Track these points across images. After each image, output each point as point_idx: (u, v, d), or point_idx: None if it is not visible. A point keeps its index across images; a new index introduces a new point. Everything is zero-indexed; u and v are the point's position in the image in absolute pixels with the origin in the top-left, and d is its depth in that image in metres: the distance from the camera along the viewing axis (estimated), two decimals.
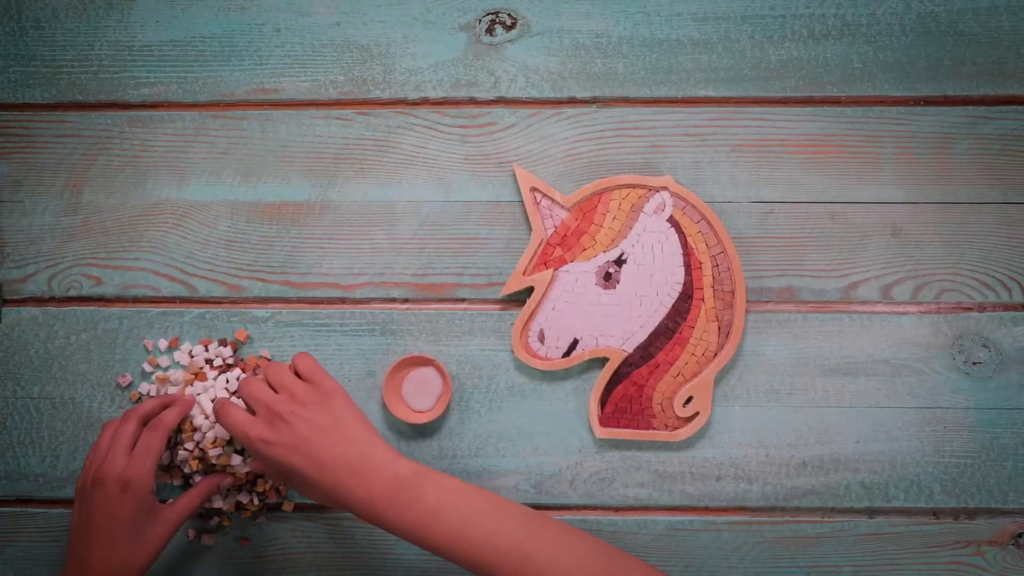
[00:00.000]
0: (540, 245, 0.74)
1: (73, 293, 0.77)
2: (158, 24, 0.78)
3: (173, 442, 0.72)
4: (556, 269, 0.74)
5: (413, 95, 0.77)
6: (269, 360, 0.75)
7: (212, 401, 0.71)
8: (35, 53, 0.79)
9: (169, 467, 0.73)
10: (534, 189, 0.75)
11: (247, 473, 0.71)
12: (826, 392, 0.74)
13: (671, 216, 0.74)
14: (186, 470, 0.72)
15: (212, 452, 0.70)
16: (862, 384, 0.74)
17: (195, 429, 0.71)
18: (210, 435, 0.70)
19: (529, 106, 0.77)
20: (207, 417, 0.70)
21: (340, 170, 0.77)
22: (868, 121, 0.76)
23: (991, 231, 0.75)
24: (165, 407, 0.69)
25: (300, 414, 0.61)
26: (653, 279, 0.74)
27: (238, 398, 0.70)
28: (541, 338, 0.74)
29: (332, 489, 0.60)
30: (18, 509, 0.75)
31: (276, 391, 0.64)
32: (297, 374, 0.66)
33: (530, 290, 0.74)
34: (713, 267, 0.73)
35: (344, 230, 0.76)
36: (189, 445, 0.71)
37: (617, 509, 0.74)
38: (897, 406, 0.74)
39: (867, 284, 0.75)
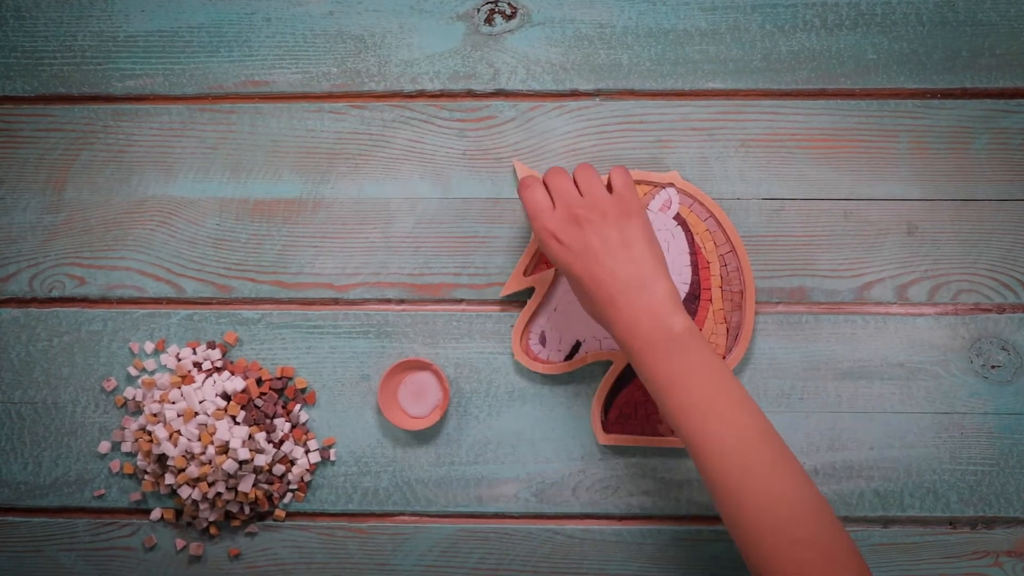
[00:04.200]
0: None
1: (56, 294, 0.75)
2: (144, 14, 0.77)
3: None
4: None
5: (409, 87, 0.76)
6: (260, 367, 0.73)
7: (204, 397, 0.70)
8: (16, 44, 0.77)
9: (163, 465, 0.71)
10: None
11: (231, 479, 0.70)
12: (839, 397, 0.73)
13: (677, 213, 0.73)
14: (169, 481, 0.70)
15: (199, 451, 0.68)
16: (876, 388, 0.73)
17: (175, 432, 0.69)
18: (190, 445, 0.68)
19: (530, 99, 0.75)
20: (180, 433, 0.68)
21: (333, 166, 0.76)
22: (883, 115, 0.74)
23: (1011, 229, 0.73)
24: None
25: (596, 224, 0.61)
26: None
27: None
28: (542, 340, 0.73)
29: (602, 307, 0.60)
30: None
31: (581, 193, 0.63)
32: (608, 187, 0.64)
33: (531, 291, 0.73)
34: (721, 267, 0.72)
35: (337, 228, 0.75)
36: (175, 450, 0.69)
37: (622, 518, 0.73)
38: (912, 411, 0.72)
39: (882, 284, 0.73)
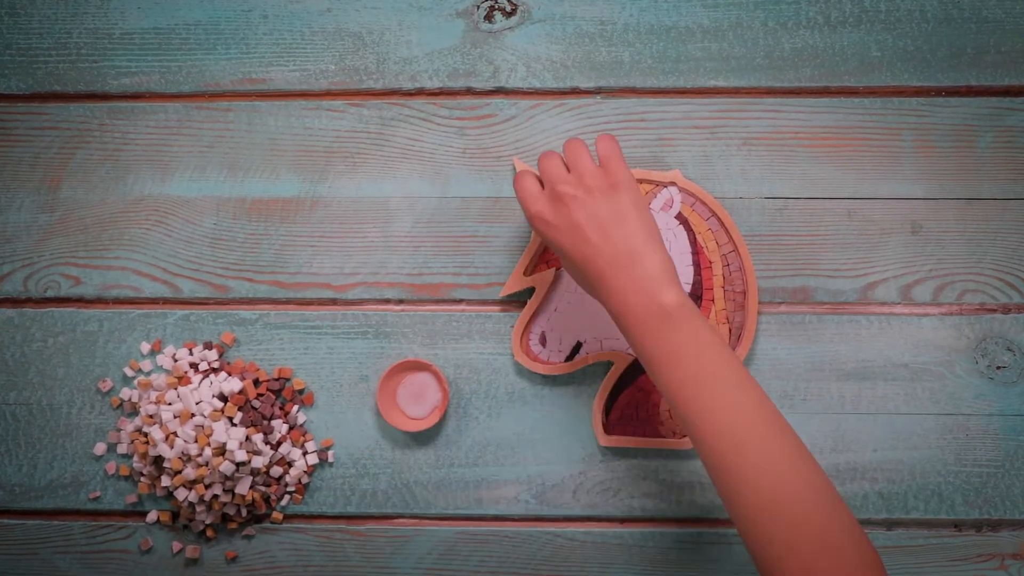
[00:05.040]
0: (542, 244, 0.72)
1: (51, 294, 0.75)
2: (140, 11, 0.77)
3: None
4: (558, 269, 0.72)
5: (408, 85, 0.75)
6: (257, 367, 0.73)
7: (196, 401, 0.70)
8: (10, 41, 0.77)
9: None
10: None
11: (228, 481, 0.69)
12: (842, 398, 0.72)
13: (679, 213, 0.72)
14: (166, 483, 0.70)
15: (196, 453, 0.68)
16: (880, 389, 0.72)
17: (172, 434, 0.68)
18: (189, 447, 0.68)
19: (530, 97, 0.75)
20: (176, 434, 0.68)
21: (331, 164, 0.75)
22: (887, 113, 0.74)
23: (1016, 228, 0.73)
24: None
25: (582, 199, 0.60)
26: None
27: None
28: (543, 341, 0.72)
29: (594, 281, 0.60)
30: None
31: (569, 170, 0.62)
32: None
33: (531, 291, 0.72)
34: (724, 267, 0.72)
35: (336, 227, 0.74)
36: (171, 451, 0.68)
37: (623, 521, 0.72)
38: (917, 412, 0.72)
39: (886, 284, 0.73)
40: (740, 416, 0.56)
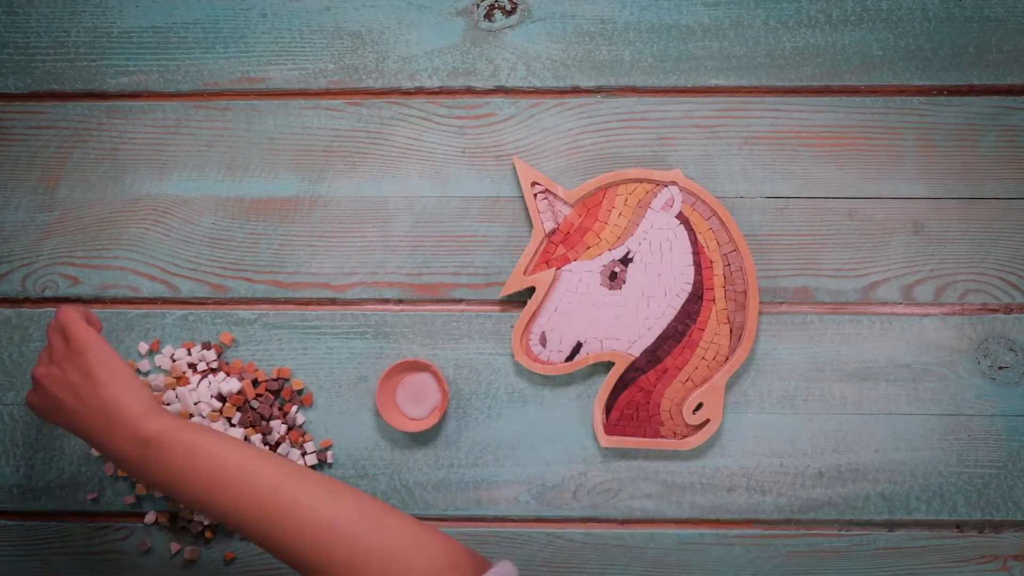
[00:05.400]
0: (542, 243, 0.72)
1: (49, 294, 0.74)
2: (138, 9, 0.76)
3: None
4: (559, 268, 0.72)
5: (407, 84, 0.75)
6: (256, 368, 0.73)
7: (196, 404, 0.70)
8: (8, 40, 0.76)
9: None
10: (535, 184, 0.73)
11: None
12: (844, 398, 0.72)
13: (680, 212, 0.72)
14: None
15: None
16: (882, 390, 0.72)
17: None
18: None
19: (530, 96, 0.75)
20: None
21: (330, 164, 0.75)
22: (888, 112, 0.73)
23: (1019, 228, 0.73)
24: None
25: (52, 375, 0.61)
26: (661, 279, 0.71)
27: None
28: (543, 341, 0.72)
29: (94, 444, 0.60)
30: None
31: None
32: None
33: (531, 291, 0.72)
34: (724, 266, 0.71)
35: (335, 227, 0.74)
36: None
37: (623, 522, 0.72)
38: (919, 413, 0.72)
39: (887, 284, 0.72)
40: (272, 479, 0.56)
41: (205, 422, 0.69)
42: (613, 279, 0.72)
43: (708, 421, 0.71)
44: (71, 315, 0.62)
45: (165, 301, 0.74)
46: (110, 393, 0.59)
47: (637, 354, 0.71)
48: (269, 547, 0.56)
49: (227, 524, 0.57)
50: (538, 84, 0.75)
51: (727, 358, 0.71)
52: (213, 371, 0.72)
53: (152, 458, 0.58)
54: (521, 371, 0.73)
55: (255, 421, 0.71)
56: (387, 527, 0.55)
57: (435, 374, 0.71)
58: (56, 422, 0.62)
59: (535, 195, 0.72)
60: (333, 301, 0.74)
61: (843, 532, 0.71)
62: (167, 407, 0.70)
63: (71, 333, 0.61)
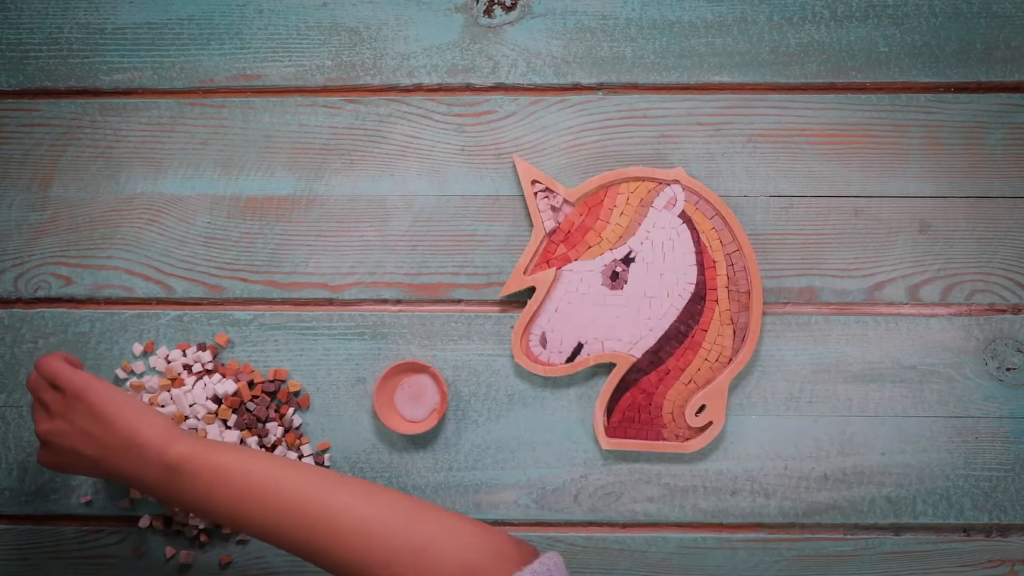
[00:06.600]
0: (542, 242, 0.72)
1: (41, 294, 0.74)
2: (132, 5, 0.76)
3: None
4: (559, 268, 0.71)
5: (406, 81, 0.74)
6: (252, 369, 0.72)
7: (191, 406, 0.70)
8: (0, 36, 0.76)
9: None
10: (536, 182, 0.72)
11: None
12: (849, 400, 0.71)
13: (683, 211, 0.71)
14: None
15: None
16: (887, 391, 0.71)
17: None
18: None
19: (530, 93, 0.74)
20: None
21: (327, 162, 0.74)
22: (894, 109, 0.73)
23: None
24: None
25: (59, 429, 0.60)
26: (663, 279, 0.71)
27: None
28: (543, 342, 0.71)
29: (122, 481, 0.60)
30: None
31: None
32: None
33: (531, 291, 0.72)
34: (728, 266, 0.71)
35: (332, 226, 0.74)
36: None
37: (625, 526, 0.71)
38: (925, 415, 0.71)
39: (893, 284, 0.72)
40: (307, 485, 0.57)
41: (200, 424, 0.68)
42: (615, 279, 0.71)
43: (711, 423, 0.70)
44: (55, 364, 0.62)
45: (160, 301, 0.73)
46: (126, 427, 0.59)
47: (639, 355, 0.71)
48: (309, 556, 0.56)
49: (265, 539, 0.57)
50: (538, 81, 0.74)
51: (730, 359, 0.71)
52: (208, 373, 0.72)
53: (181, 483, 0.58)
54: (521, 372, 0.72)
55: (251, 423, 0.70)
56: (422, 522, 0.55)
57: (434, 375, 0.71)
58: (77, 472, 0.61)
59: (535, 194, 0.72)
60: (330, 301, 0.73)
61: (848, 536, 0.71)
62: (162, 409, 0.69)
63: (63, 381, 0.61)
